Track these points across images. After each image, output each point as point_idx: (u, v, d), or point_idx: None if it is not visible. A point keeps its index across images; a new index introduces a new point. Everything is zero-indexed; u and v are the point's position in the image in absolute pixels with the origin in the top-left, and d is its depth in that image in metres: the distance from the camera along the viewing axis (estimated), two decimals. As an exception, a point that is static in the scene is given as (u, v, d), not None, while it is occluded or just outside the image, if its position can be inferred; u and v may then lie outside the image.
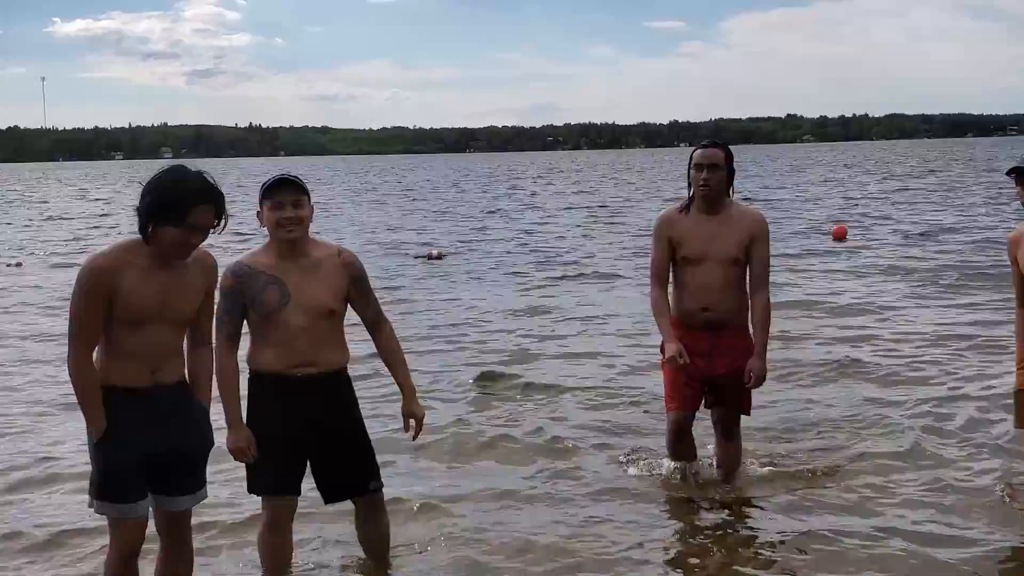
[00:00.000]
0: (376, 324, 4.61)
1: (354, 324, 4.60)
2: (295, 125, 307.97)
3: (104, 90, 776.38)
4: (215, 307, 4.32)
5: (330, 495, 4.68)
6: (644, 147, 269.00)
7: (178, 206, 3.85)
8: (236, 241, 15.80)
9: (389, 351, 4.62)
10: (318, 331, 4.41)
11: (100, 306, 3.88)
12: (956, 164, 63.99)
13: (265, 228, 4.44)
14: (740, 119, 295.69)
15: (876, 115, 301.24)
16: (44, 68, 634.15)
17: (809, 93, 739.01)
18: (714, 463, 6.04)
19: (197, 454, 4.21)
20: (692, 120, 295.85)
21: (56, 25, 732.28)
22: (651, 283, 5.72)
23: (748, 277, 5.63)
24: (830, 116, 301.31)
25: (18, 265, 18.96)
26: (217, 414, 4.32)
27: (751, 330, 5.65)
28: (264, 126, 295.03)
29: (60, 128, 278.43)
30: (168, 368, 4.06)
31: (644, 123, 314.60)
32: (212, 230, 3.96)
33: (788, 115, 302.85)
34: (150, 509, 4.15)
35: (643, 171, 72.14)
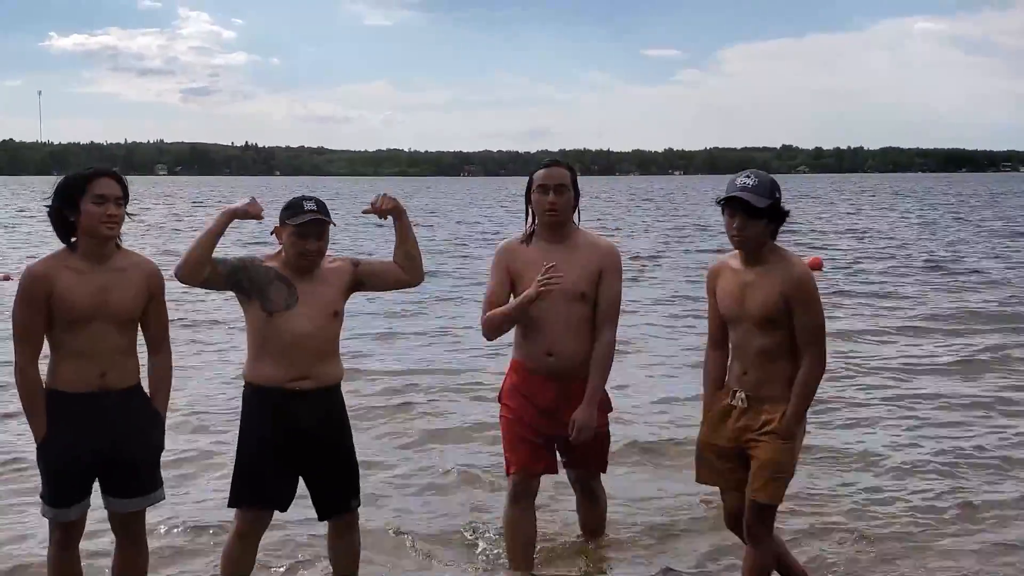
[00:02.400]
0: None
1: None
2: (291, 145, 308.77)
3: (100, 105, 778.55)
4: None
5: (322, 511, 4.68)
6: (638, 174, 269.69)
7: (78, 182, 4.07)
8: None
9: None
10: (320, 339, 4.44)
11: (39, 310, 4.05)
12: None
13: (279, 244, 4.49)
14: (735, 148, 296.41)
15: (871, 148, 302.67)
16: (40, 82, 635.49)
17: (805, 124, 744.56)
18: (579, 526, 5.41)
19: (142, 459, 4.28)
20: (687, 148, 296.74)
21: (52, 39, 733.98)
22: (482, 321, 4.93)
23: (596, 315, 4.85)
24: (825, 148, 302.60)
25: (5, 279, 18.83)
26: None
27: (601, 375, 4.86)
28: (260, 145, 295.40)
29: (55, 142, 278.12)
30: (117, 371, 4.16)
31: (639, 150, 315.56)
32: (121, 201, 4.09)
33: (783, 146, 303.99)
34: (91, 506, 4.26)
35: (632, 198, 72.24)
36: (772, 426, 4.30)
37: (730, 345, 4.52)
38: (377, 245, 26.84)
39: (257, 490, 4.50)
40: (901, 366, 10.67)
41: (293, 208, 4.42)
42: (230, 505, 4.58)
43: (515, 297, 4.85)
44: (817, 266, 20.94)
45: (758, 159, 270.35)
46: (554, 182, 4.83)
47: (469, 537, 5.70)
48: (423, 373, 10.19)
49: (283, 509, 4.61)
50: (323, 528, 4.84)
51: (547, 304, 4.72)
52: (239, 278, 4.41)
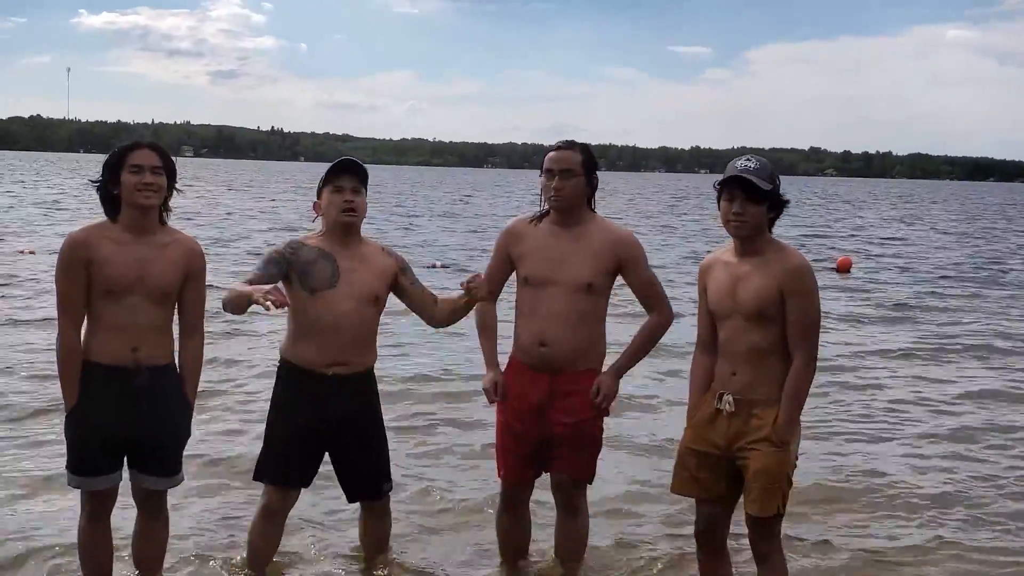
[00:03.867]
0: (435, 299, 4.70)
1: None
2: (316, 131, 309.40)
3: (127, 84, 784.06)
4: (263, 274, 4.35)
5: (351, 494, 4.73)
6: (664, 171, 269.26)
7: (118, 155, 4.15)
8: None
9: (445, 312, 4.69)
10: (361, 321, 4.47)
11: (79, 278, 4.10)
12: None
13: (319, 219, 4.57)
14: (763, 148, 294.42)
15: (900, 153, 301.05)
16: (68, 59, 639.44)
17: (833, 127, 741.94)
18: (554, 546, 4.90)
19: (167, 444, 4.31)
20: (714, 147, 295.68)
21: (82, 16, 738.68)
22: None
23: (639, 303, 4.71)
24: (854, 151, 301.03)
25: (30, 253, 18.90)
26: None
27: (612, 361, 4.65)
28: (285, 130, 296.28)
29: (82, 120, 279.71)
30: (150, 347, 4.18)
31: (665, 147, 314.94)
32: (159, 171, 4.12)
33: (811, 148, 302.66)
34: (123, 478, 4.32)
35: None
36: (765, 432, 4.06)
37: (718, 345, 4.25)
38: (404, 235, 26.81)
39: (284, 469, 4.56)
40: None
41: (329, 168, 4.54)
42: (255, 478, 4.63)
43: (518, 281, 4.67)
44: (846, 267, 20.76)
45: (786, 160, 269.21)
46: (560, 166, 4.54)
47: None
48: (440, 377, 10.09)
49: (306, 486, 4.67)
50: (338, 507, 4.92)
51: (548, 295, 4.53)
52: (278, 271, 4.41)
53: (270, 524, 4.64)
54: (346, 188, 4.48)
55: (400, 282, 4.63)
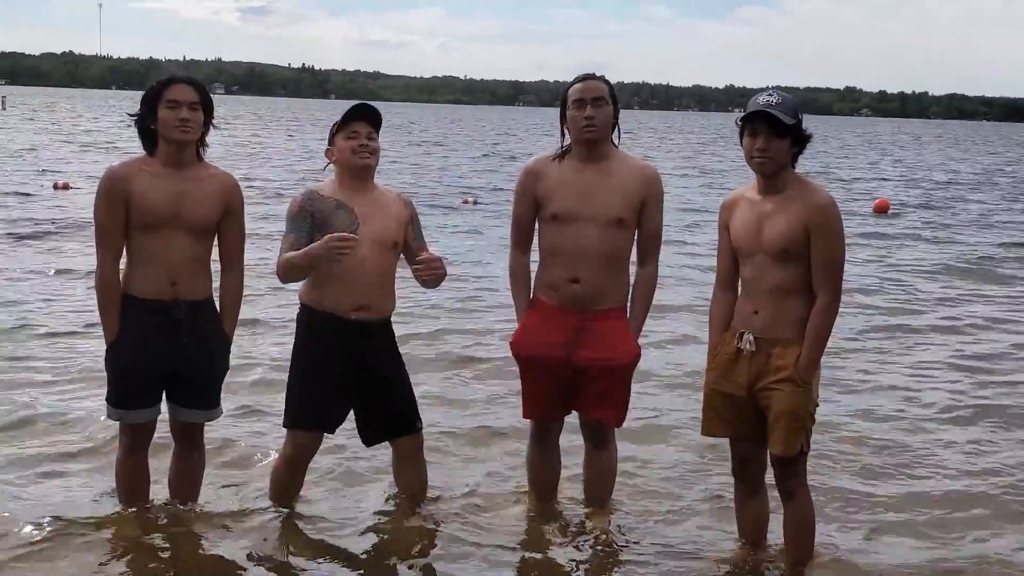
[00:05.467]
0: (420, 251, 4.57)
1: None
2: (346, 68, 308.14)
3: (159, 20, 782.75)
4: (283, 234, 4.43)
5: (371, 438, 4.74)
6: (698, 110, 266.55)
7: (155, 90, 4.19)
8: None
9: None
10: (381, 265, 4.45)
11: (118, 211, 4.16)
12: None
13: (332, 165, 4.55)
14: (798, 88, 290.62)
15: (936, 94, 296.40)
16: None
17: (869, 67, 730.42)
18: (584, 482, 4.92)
19: (205, 378, 4.39)
20: (749, 86, 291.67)
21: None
22: (511, 247, 4.73)
23: (636, 246, 4.60)
24: (889, 91, 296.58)
25: (64, 187, 18.92)
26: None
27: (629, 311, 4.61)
28: (316, 68, 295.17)
29: (114, 56, 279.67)
30: (188, 281, 4.24)
31: (699, 86, 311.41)
32: (196, 106, 4.17)
33: (847, 87, 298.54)
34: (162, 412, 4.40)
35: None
36: (787, 372, 4.05)
37: (740, 283, 4.23)
38: (417, 181, 26.74)
39: (313, 414, 4.57)
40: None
41: (343, 115, 4.51)
42: (286, 426, 4.63)
43: (543, 220, 4.55)
44: (884, 208, 20.71)
45: (821, 100, 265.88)
46: (591, 95, 4.45)
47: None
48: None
49: (332, 432, 4.69)
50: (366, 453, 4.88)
51: (578, 230, 4.45)
52: (307, 226, 4.41)
53: (292, 471, 4.68)
54: (361, 133, 4.46)
55: (406, 234, 4.58)
